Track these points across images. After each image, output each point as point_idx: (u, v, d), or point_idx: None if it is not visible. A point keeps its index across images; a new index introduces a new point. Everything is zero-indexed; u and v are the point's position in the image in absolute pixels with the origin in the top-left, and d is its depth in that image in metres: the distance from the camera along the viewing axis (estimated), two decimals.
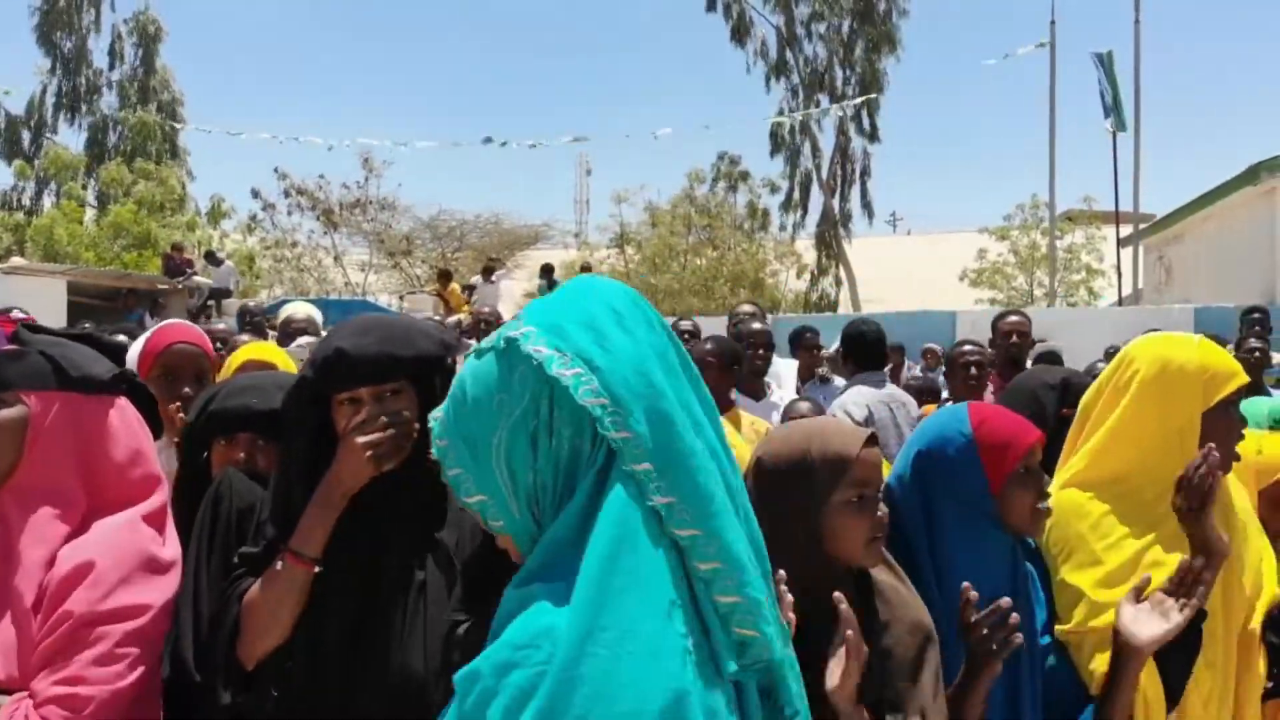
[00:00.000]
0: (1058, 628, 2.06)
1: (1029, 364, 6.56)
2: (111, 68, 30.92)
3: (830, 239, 26.59)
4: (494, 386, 1.15)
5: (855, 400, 4.51)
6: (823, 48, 26.92)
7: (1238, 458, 2.13)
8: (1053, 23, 19.36)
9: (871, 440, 1.76)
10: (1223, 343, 9.72)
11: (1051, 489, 2.08)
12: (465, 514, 1.77)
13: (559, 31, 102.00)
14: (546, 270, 16.41)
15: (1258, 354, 5.94)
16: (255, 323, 7.17)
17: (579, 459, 1.14)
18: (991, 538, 2.00)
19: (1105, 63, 17.93)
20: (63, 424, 1.67)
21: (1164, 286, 18.85)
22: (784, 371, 5.56)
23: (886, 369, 5.29)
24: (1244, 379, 2.05)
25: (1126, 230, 19.44)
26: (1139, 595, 1.93)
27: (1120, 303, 21.10)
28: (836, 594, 1.57)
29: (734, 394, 4.51)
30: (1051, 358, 6.52)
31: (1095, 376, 2.33)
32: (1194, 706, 2.02)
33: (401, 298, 18.86)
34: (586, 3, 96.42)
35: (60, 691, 1.54)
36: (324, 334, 1.94)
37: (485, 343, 1.20)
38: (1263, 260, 13.87)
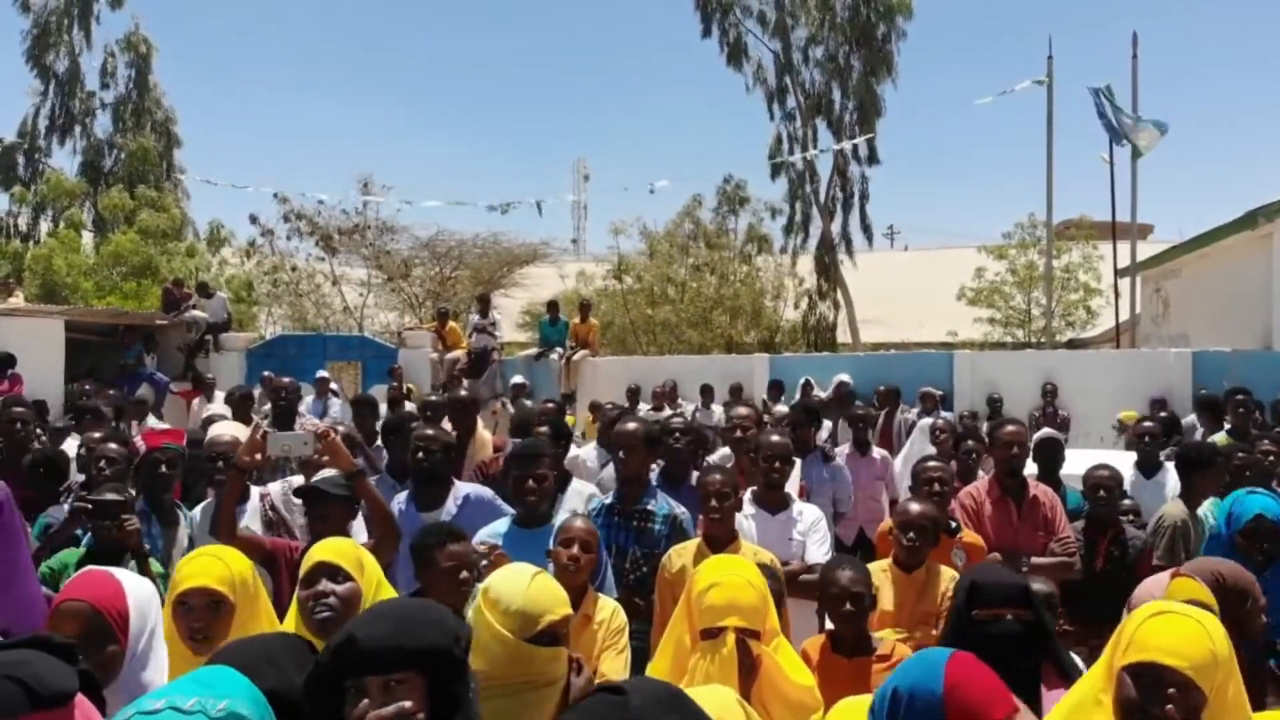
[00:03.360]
0: None
1: (1032, 448, 6.61)
2: (104, 87, 30.78)
3: (829, 263, 26.57)
4: None
5: None
6: (820, 72, 26.94)
7: None
8: (1050, 58, 19.40)
9: None
10: (1215, 401, 9.66)
11: None
12: None
13: (560, 50, 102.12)
14: (552, 306, 17.65)
15: (1271, 457, 5.90)
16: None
17: None
18: None
19: (1105, 95, 17.94)
20: None
21: (1161, 320, 18.86)
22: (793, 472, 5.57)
23: None
24: None
25: (1125, 247, 19.49)
26: None
27: (1118, 330, 21.14)
28: None
29: (749, 507, 4.78)
30: (1051, 444, 6.53)
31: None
32: None
33: (399, 334, 18.82)
34: (588, 25, 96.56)
35: None
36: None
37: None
38: (1259, 304, 13.88)
